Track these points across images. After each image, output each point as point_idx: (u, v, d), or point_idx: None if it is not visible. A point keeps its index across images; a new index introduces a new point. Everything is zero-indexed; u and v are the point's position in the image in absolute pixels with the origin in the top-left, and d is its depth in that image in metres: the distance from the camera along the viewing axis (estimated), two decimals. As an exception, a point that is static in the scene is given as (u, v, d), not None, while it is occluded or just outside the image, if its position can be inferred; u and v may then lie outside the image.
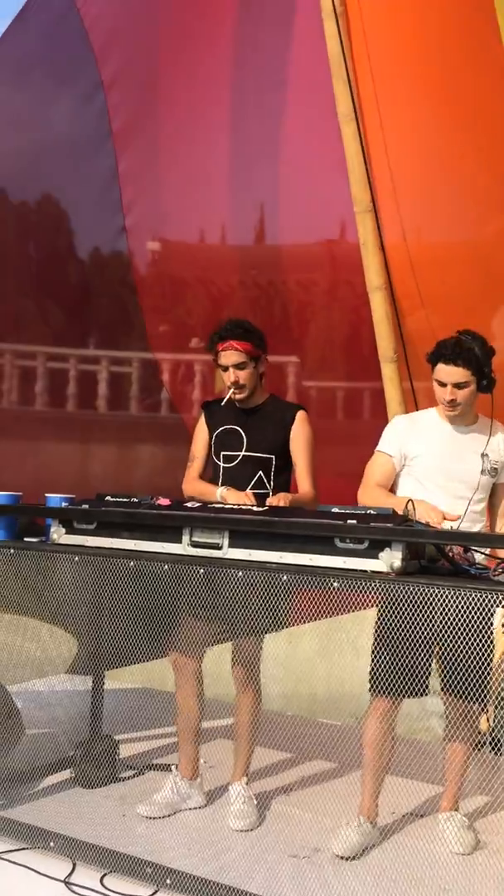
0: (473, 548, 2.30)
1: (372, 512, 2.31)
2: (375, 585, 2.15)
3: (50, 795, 2.89)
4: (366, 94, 3.34)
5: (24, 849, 2.53)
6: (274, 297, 4.26)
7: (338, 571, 2.21)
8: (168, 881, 2.31)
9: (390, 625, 2.28)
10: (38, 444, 4.31)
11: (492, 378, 2.71)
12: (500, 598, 1.99)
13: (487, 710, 3.65)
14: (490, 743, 3.35)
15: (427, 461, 2.75)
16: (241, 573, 2.32)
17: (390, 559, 2.17)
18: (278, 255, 4.18)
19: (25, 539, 2.76)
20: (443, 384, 2.69)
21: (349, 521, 2.26)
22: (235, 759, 2.85)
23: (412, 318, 3.49)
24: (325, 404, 4.28)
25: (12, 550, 2.66)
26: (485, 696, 2.37)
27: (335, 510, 2.38)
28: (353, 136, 3.32)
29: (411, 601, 2.08)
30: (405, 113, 3.38)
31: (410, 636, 2.18)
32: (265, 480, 2.89)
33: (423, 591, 2.07)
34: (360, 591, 2.21)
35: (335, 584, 2.22)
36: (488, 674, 2.28)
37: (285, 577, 2.27)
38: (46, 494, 2.79)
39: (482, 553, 2.30)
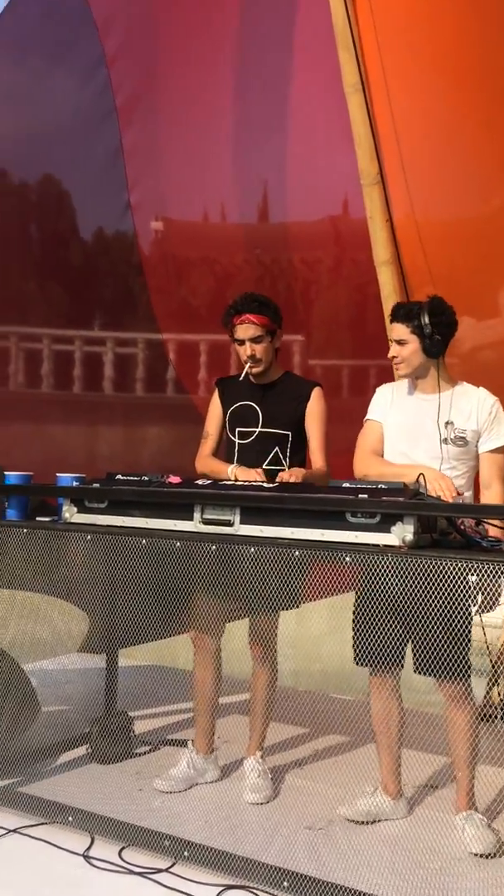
0: (485, 520, 2.30)
1: (383, 486, 2.31)
2: (387, 559, 2.15)
3: (67, 771, 2.93)
4: (372, 66, 3.30)
5: (43, 823, 2.56)
6: (278, 275, 4.24)
7: (350, 546, 2.22)
8: (186, 853, 2.34)
9: (368, 598, 2.28)
10: (46, 425, 4.32)
11: (436, 340, 2.63)
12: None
13: (499, 683, 3.67)
14: (502, 716, 3.36)
15: (392, 430, 2.74)
16: (253, 549, 2.33)
17: (402, 533, 2.18)
18: (283, 233, 4.15)
19: (37, 519, 2.77)
20: (391, 342, 2.71)
21: (360, 496, 2.26)
22: (250, 733, 2.87)
23: (420, 294, 3.47)
24: (330, 382, 4.26)
25: (25, 530, 2.68)
26: (466, 673, 2.35)
27: (346, 485, 2.38)
28: (360, 106, 3.28)
29: (423, 574, 2.09)
30: (412, 85, 3.34)
31: (385, 609, 2.18)
32: (281, 457, 2.87)
33: (435, 564, 2.07)
34: (372, 566, 2.22)
35: (347, 559, 2.22)
36: (467, 650, 2.27)
37: (297, 553, 2.28)
38: (58, 474, 2.80)
39: (494, 525, 2.30)
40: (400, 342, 2.69)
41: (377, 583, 2.16)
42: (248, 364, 2.89)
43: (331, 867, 2.25)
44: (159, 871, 2.31)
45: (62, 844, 2.44)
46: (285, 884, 2.19)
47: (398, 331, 2.69)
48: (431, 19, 3.19)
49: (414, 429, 2.70)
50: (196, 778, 2.85)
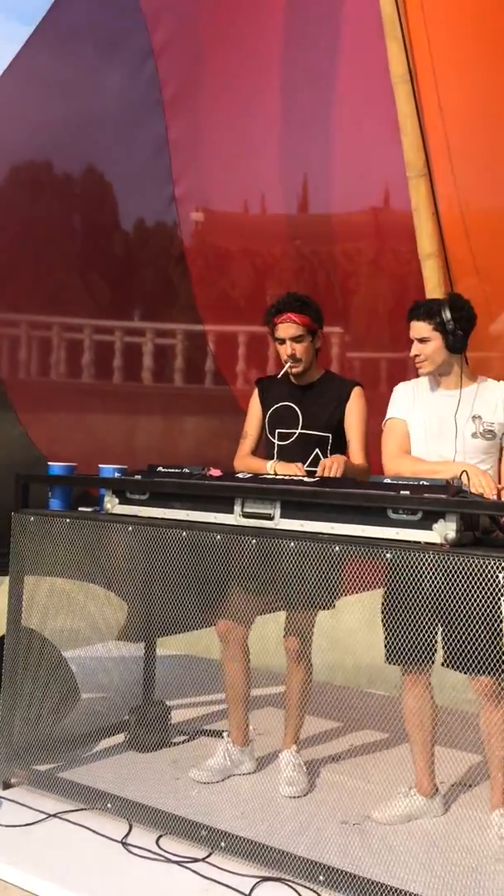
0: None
1: (425, 482, 2.29)
2: (429, 557, 2.14)
3: (106, 758, 2.97)
4: (420, 57, 3.25)
5: (82, 809, 2.61)
6: (318, 267, 4.21)
7: (391, 542, 2.21)
8: (223, 844, 2.36)
9: (397, 595, 2.28)
10: (86, 415, 4.35)
11: (458, 335, 2.63)
12: None
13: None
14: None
15: (417, 427, 2.72)
16: (293, 543, 2.33)
17: (444, 530, 2.16)
18: (324, 225, 4.12)
19: (80, 509, 2.80)
20: (412, 340, 2.69)
21: (402, 492, 2.25)
22: (286, 727, 2.88)
23: (462, 285, 3.41)
24: (368, 376, 4.23)
25: (68, 520, 2.71)
26: (501, 669, 2.31)
27: (387, 481, 2.37)
28: (408, 97, 3.22)
29: (464, 573, 2.07)
30: (460, 76, 3.27)
31: (416, 606, 2.19)
32: (321, 458, 2.86)
33: (479, 562, 2.05)
34: (414, 563, 2.20)
35: (388, 556, 2.21)
36: (500, 645, 2.24)
37: (338, 548, 2.28)
38: (100, 465, 2.83)
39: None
40: (422, 340, 2.68)
41: (413, 580, 2.15)
42: (289, 364, 2.89)
43: (365, 863, 2.25)
44: (196, 860, 2.34)
45: (101, 830, 2.49)
46: (321, 877, 2.20)
47: (419, 329, 2.68)
48: (481, 8, 3.13)
49: (440, 425, 2.69)
50: (232, 769, 2.87)
